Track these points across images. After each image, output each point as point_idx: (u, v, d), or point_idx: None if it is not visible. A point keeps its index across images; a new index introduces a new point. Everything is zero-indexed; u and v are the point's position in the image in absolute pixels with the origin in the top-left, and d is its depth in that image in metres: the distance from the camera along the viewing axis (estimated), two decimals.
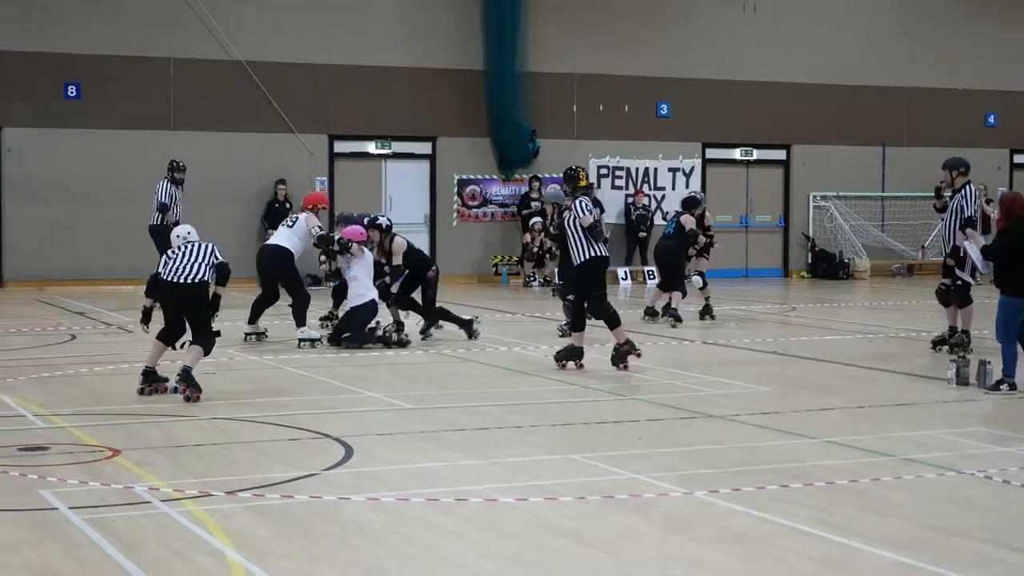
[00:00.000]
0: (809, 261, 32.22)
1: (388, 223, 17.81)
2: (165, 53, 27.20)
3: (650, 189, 30.90)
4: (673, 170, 31.30)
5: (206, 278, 12.98)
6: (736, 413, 12.19)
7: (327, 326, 18.45)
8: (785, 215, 32.52)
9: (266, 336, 17.57)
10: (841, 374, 15.13)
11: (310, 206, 17.89)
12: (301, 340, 16.97)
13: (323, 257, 18.70)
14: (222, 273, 13.04)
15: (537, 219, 28.53)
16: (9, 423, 11.58)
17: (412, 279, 17.82)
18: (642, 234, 30.20)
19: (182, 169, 22.85)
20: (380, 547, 7.66)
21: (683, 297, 20.07)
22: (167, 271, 12.92)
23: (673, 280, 20.00)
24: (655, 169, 31.13)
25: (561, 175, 16.53)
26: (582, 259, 14.95)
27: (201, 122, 27.38)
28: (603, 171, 30.42)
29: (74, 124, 26.66)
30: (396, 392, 13.44)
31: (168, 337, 13.06)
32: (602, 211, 23.05)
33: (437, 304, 17.96)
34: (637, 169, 30.88)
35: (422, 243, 25.51)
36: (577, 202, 15.09)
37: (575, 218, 14.98)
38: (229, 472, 9.59)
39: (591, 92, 30.39)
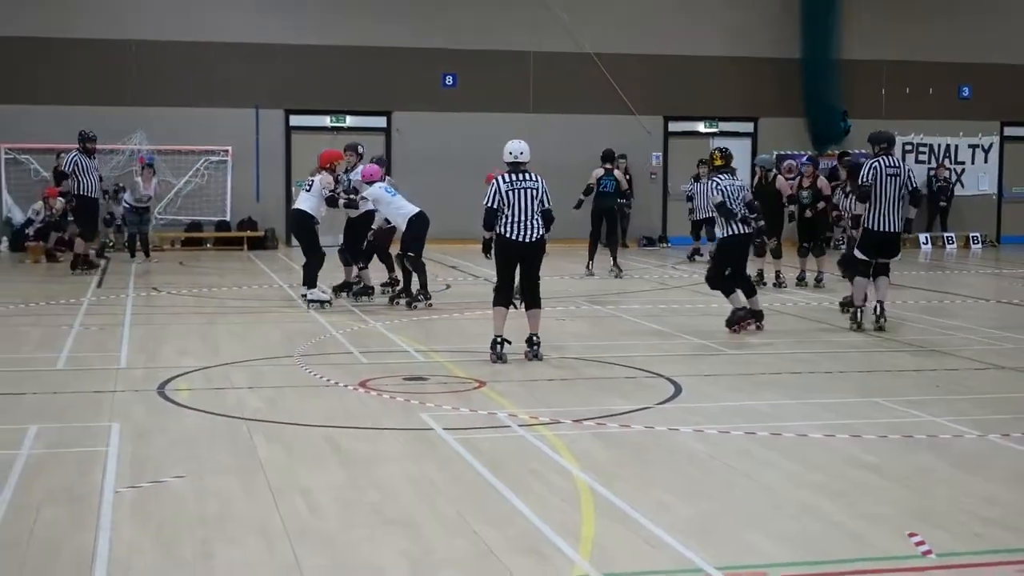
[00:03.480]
0: None
1: None
2: (526, 47, 27.75)
3: (951, 163, 29.94)
4: (973, 146, 30.22)
5: (544, 230, 11.72)
6: None
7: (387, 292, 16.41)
8: None
9: (330, 304, 15.61)
10: None
11: (326, 164, 15.68)
12: (309, 301, 15.36)
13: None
14: (546, 220, 11.70)
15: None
16: (396, 357, 12.01)
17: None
18: (942, 203, 29.26)
19: (93, 139, 20.13)
20: (704, 473, 7.66)
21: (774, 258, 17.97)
22: (511, 230, 11.57)
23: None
24: (956, 146, 30.08)
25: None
26: None
27: (555, 106, 27.77)
28: (907, 147, 29.50)
29: (450, 108, 27.45)
30: (715, 339, 13.32)
31: (506, 300, 11.79)
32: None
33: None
34: (939, 145, 29.89)
35: None
36: None
37: None
38: (576, 403, 9.68)
39: (898, 77, 29.47)
